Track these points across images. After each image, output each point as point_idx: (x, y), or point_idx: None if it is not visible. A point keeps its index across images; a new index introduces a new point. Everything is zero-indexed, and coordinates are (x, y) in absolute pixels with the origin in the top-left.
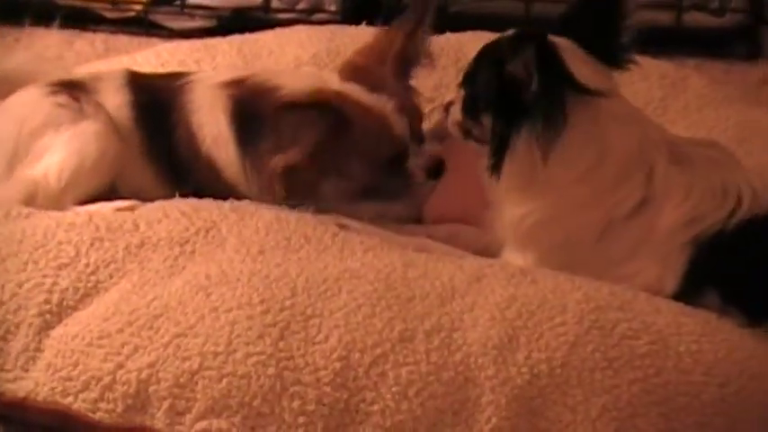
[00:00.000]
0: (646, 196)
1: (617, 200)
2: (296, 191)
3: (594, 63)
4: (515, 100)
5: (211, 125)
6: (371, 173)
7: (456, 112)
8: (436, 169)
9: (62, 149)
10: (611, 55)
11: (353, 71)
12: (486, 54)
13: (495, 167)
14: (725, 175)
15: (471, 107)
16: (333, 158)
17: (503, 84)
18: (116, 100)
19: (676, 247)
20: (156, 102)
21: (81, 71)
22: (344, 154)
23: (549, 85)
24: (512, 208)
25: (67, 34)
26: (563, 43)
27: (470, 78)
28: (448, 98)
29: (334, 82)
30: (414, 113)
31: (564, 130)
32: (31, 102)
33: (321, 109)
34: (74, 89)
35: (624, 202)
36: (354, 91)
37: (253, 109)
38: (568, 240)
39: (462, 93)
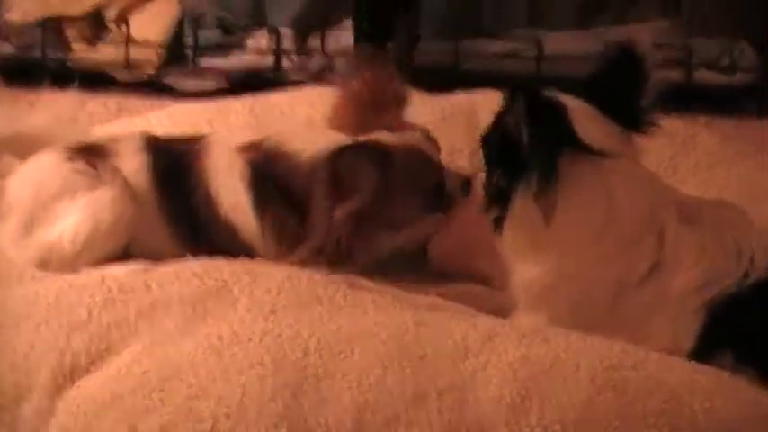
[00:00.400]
0: (657, 260)
1: (628, 263)
2: (359, 242)
3: (607, 124)
4: (513, 156)
5: (229, 190)
6: (420, 207)
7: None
8: (468, 185)
9: (77, 214)
10: (633, 118)
11: (355, 123)
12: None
13: (496, 223)
14: (737, 236)
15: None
16: (388, 201)
17: (501, 139)
18: (134, 164)
19: (690, 310)
20: (174, 165)
21: (96, 132)
22: (397, 194)
23: (541, 141)
24: (521, 269)
25: (81, 96)
26: (574, 103)
27: (483, 137)
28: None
29: (346, 138)
30: (431, 140)
31: (566, 188)
32: (49, 167)
33: (370, 153)
34: (91, 154)
35: (636, 266)
36: (380, 135)
37: (269, 174)
38: (580, 303)
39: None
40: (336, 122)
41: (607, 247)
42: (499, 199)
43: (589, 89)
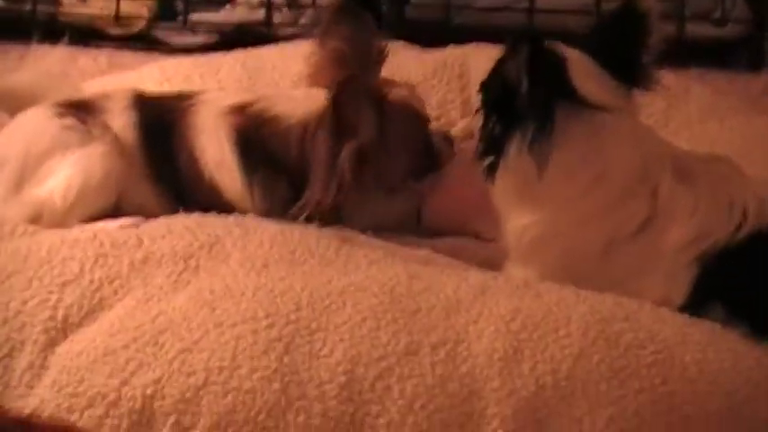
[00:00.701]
0: (650, 215)
1: (621, 218)
2: (363, 178)
3: (606, 79)
4: (511, 104)
5: (215, 151)
6: (413, 162)
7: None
8: (451, 142)
9: (68, 170)
10: (633, 73)
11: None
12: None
13: (489, 171)
14: (731, 190)
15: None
16: (386, 148)
17: (500, 86)
18: (122, 120)
19: (682, 265)
20: (162, 123)
21: (86, 87)
22: (392, 143)
23: (539, 91)
24: (513, 219)
25: (71, 51)
26: (574, 56)
27: (483, 83)
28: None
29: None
30: (418, 97)
31: (560, 140)
32: (39, 123)
33: (368, 95)
34: (81, 110)
35: (628, 221)
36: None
37: (256, 138)
38: (571, 256)
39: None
40: (317, 81)
41: (598, 202)
42: (494, 146)
43: (590, 42)
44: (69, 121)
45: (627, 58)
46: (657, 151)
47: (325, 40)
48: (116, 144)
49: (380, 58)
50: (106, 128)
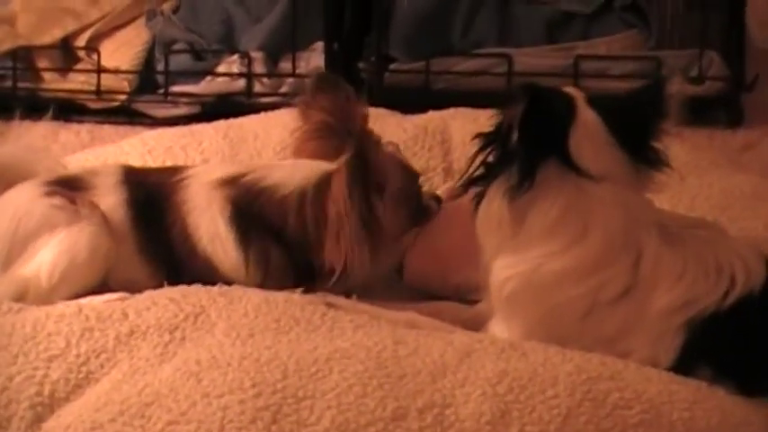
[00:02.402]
0: (632, 283)
1: (600, 283)
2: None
3: (610, 146)
4: (505, 144)
5: (208, 225)
6: (410, 211)
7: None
8: (438, 199)
9: (54, 249)
10: (644, 151)
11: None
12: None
13: (476, 200)
14: (718, 255)
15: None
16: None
17: (498, 126)
18: (112, 198)
19: (670, 329)
20: (152, 199)
21: (70, 161)
22: (392, 193)
23: (526, 147)
24: (495, 270)
25: (53, 126)
26: (587, 116)
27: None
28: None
29: (317, 162)
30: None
31: (542, 195)
32: (28, 202)
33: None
34: (69, 187)
35: (608, 287)
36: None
37: (250, 209)
38: (552, 315)
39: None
40: (301, 153)
41: (578, 263)
42: (484, 175)
43: (612, 107)
44: (57, 200)
45: (639, 134)
46: (643, 218)
47: (308, 113)
48: (104, 223)
49: (363, 124)
50: (94, 206)
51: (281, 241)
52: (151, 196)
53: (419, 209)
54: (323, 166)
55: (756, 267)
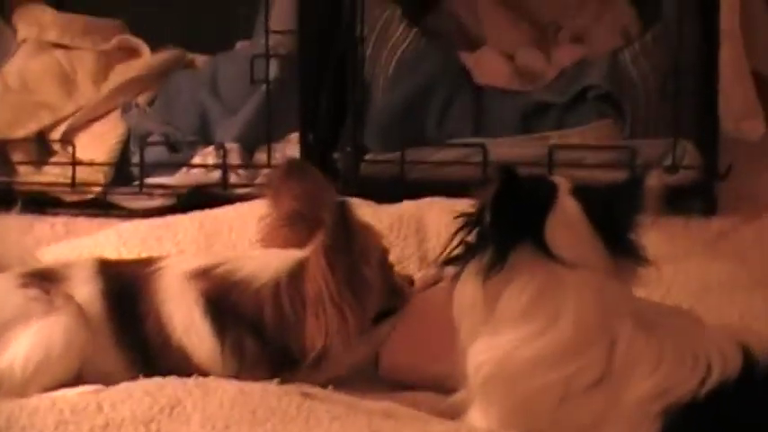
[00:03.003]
0: (606, 371)
1: (573, 371)
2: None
3: (588, 235)
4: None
5: (182, 316)
6: (383, 289)
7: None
8: (412, 282)
9: (29, 341)
10: (620, 242)
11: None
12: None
13: (454, 279)
14: (694, 343)
15: None
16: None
17: (475, 211)
18: (86, 290)
19: (647, 418)
20: (126, 291)
21: (44, 254)
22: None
23: (498, 230)
24: (470, 353)
25: (27, 219)
26: (567, 204)
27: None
28: None
29: (289, 252)
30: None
31: (516, 279)
32: (2, 293)
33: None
34: (44, 279)
35: (582, 375)
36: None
37: (225, 302)
38: (526, 402)
39: None
40: (272, 242)
41: (549, 349)
42: (461, 256)
43: (595, 199)
44: (33, 291)
45: (618, 225)
46: (617, 305)
47: (278, 200)
48: (80, 314)
49: (331, 201)
50: (69, 298)
51: (257, 332)
52: (126, 287)
53: (393, 290)
54: (295, 253)
55: (732, 355)
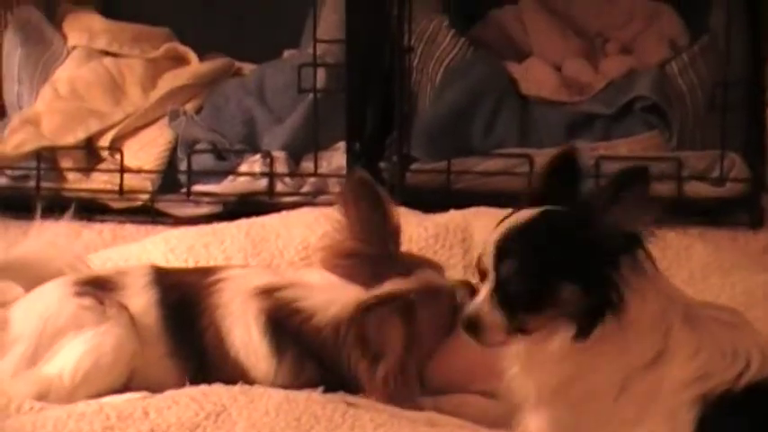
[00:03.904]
0: (662, 349)
1: (636, 353)
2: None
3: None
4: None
5: (242, 332)
6: (442, 336)
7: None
8: (474, 291)
9: (79, 350)
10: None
11: (356, 262)
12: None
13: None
14: (735, 338)
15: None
16: (418, 345)
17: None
18: (142, 300)
19: (684, 403)
20: (184, 302)
21: (92, 259)
22: (425, 336)
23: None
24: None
25: (76, 225)
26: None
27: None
28: None
29: (354, 289)
30: (435, 265)
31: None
32: (57, 301)
33: (393, 306)
34: (98, 287)
35: (643, 355)
36: (395, 284)
37: (285, 326)
38: (588, 398)
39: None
40: (332, 269)
41: (619, 345)
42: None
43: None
44: (87, 300)
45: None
46: (674, 298)
47: (344, 225)
48: (131, 325)
49: (396, 234)
50: (122, 308)
51: (316, 358)
52: (183, 299)
53: (454, 318)
54: (356, 293)
55: None
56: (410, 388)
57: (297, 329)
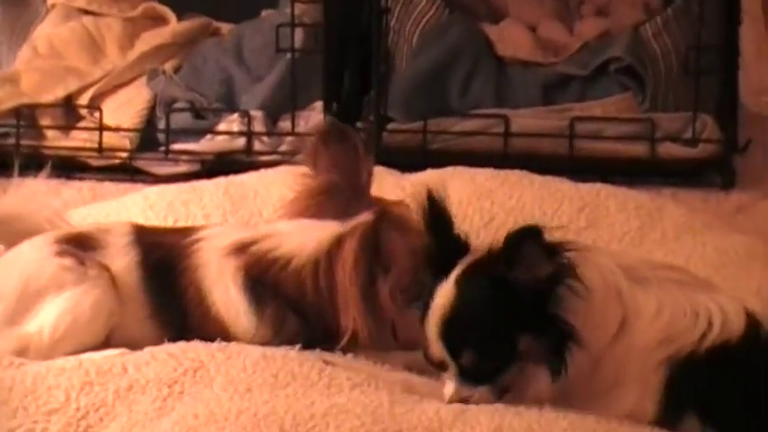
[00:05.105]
0: (623, 315)
1: (602, 329)
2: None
3: None
4: None
5: (222, 290)
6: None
7: None
8: None
9: (58, 308)
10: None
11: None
12: None
13: None
14: (692, 297)
15: None
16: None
17: None
18: (123, 260)
19: (653, 366)
20: (165, 263)
21: (73, 215)
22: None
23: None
24: None
25: (55, 183)
26: None
27: None
28: None
29: (328, 225)
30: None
31: None
32: (38, 260)
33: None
34: (81, 246)
35: (608, 329)
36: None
37: (263, 279)
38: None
39: None
40: (306, 211)
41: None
42: None
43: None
44: (67, 260)
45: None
46: (605, 262)
47: (316, 166)
48: (111, 286)
49: (369, 181)
50: (103, 268)
51: (297, 309)
52: (163, 259)
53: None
54: (332, 228)
55: (734, 317)
56: (407, 306)
57: (275, 280)
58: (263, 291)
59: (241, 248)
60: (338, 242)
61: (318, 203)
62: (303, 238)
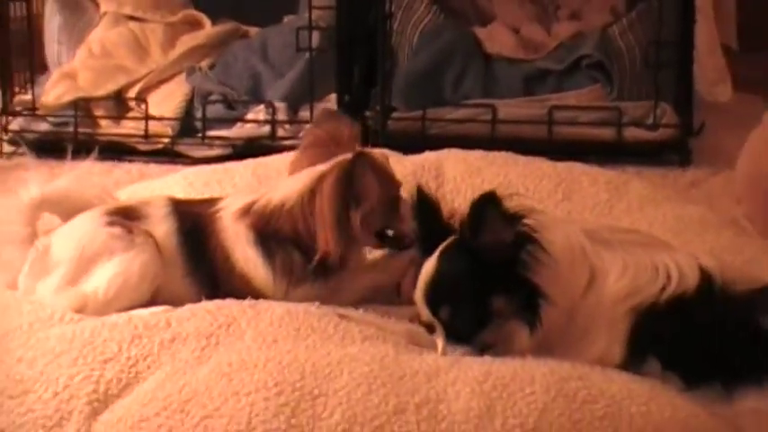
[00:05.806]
0: (592, 271)
1: (573, 286)
2: (367, 234)
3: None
4: None
5: (241, 249)
6: (386, 210)
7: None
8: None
9: (111, 272)
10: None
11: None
12: None
13: None
14: (653, 255)
15: None
16: (378, 202)
17: None
18: (163, 228)
19: (619, 316)
20: (196, 229)
21: (122, 193)
22: (376, 195)
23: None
24: None
25: (107, 165)
26: None
27: None
28: None
29: (311, 169)
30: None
31: None
32: (91, 231)
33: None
34: (126, 217)
35: (578, 285)
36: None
37: (268, 229)
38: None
39: None
40: (301, 163)
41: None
42: None
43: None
44: (116, 230)
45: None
46: (569, 227)
47: (310, 132)
48: (155, 251)
49: (351, 135)
50: (148, 235)
51: (296, 246)
52: (195, 226)
53: (393, 236)
54: (316, 169)
55: (689, 272)
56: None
57: (276, 227)
58: (270, 241)
59: (247, 210)
60: (320, 178)
61: (308, 156)
62: (291, 185)
